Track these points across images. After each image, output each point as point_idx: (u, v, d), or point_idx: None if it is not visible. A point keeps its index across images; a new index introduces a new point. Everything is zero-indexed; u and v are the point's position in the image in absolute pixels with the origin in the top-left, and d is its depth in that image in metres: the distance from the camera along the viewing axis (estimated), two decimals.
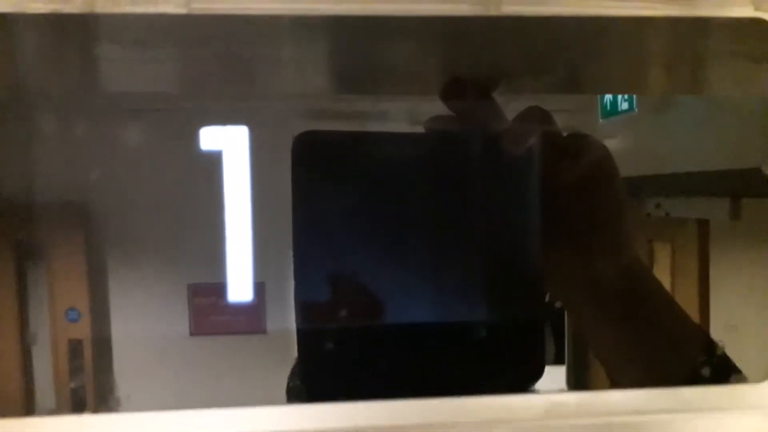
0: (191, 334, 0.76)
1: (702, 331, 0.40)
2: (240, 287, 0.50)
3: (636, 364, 0.38)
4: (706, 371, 0.35)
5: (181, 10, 0.22)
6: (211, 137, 0.34)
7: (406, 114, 0.40)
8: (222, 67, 0.32)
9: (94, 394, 0.50)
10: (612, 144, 0.39)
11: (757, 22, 0.25)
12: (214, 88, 0.38)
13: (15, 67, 0.30)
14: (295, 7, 0.23)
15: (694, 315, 0.60)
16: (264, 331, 0.66)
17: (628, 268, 0.38)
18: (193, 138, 0.39)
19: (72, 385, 0.51)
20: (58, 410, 0.44)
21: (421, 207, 0.38)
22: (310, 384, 0.37)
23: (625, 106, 0.75)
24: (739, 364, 0.35)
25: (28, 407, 0.47)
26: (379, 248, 0.37)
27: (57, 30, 0.24)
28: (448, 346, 0.37)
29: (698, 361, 0.36)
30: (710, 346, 0.37)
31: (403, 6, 0.25)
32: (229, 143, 0.34)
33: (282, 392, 0.42)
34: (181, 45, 0.27)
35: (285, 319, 0.38)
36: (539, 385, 0.37)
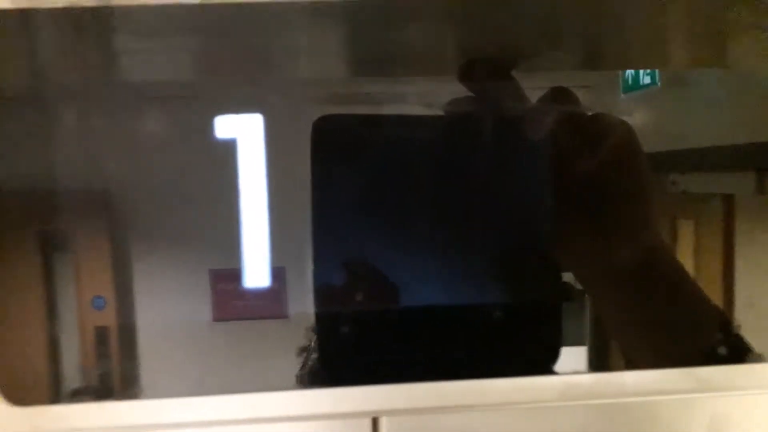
0: (214, 319, 0.77)
1: (719, 310, 0.39)
2: (260, 272, 0.50)
3: (653, 345, 0.38)
4: (722, 350, 0.35)
5: (195, 0, 0.22)
6: (230, 124, 0.34)
7: (424, 96, 0.40)
8: (238, 55, 0.32)
9: (119, 380, 0.51)
10: (633, 119, 0.39)
11: None
12: (230, 75, 0.38)
13: (35, 61, 0.30)
14: None
15: (718, 293, 0.59)
16: (286, 316, 0.66)
17: (649, 249, 0.37)
18: (213, 125, 0.39)
19: (98, 372, 0.52)
20: (84, 397, 0.45)
21: (441, 189, 0.37)
22: (329, 368, 0.37)
23: (647, 80, 0.74)
24: (757, 342, 0.35)
25: (54, 394, 0.48)
26: (399, 231, 0.37)
27: (74, 23, 0.24)
28: (467, 329, 0.37)
29: (715, 340, 0.35)
30: (727, 325, 0.37)
31: None
32: (246, 130, 0.34)
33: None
34: (197, 34, 0.27)
35: (306, 304, 0.38)
36: (560, 366, 0.37)
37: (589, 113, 0.37)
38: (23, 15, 0.22)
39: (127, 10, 0.22)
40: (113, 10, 0.22)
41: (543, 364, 0.37)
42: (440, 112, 0.38)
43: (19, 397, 0.27)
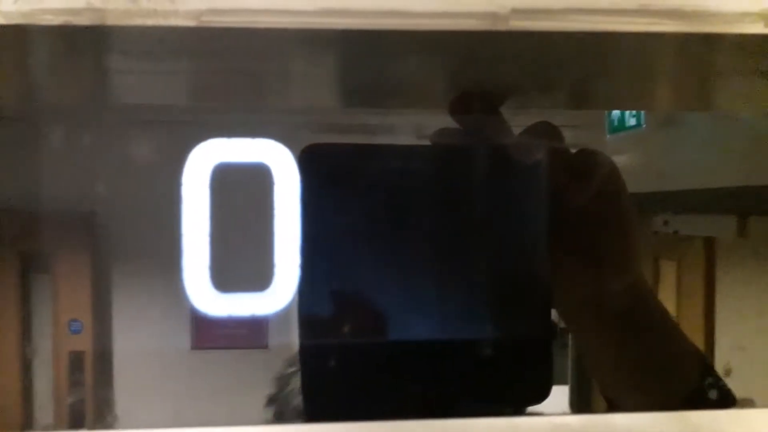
0: (192, 347, 0.76)
1: (701, 354, 0.39)
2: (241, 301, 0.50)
3: (635, 386, 0.37)
4: (712, 395, 0.35)
5: (191, 23, 0.22)
6: (217, 150, 0.34)
7: (412, 128, 0.40)
8: (231, 80, 0.32)
9: (93, 408, 0.50)
10: (619, 160, 0.39)
11: (767, 39, 0.25)
12: (222, 100, 0.38)
13: (25, 79, 0.30)
14: (304, 21, 0.23)
15: (700, 334, 0.59)
16: (265, 346, 0.65)
17: (632, 287, 0.37)
18: (199, 151, 0.39)
19: (71, 399, 0.50)
20: (55, 425, 0.44)
21: (428, 221, 0.37)
22: (312, 401, 0.36)
23: (632, 122, 0.75)
24: (747, 386, 0.35)
25: (26, 422, 0.47)
26: (385, 262, 0.37)
27: (67, 42, 0.24)
28: (453, 365, 0.37)
29: (704, 384, 0.35)
30: (709, 369, 0.37)
31: (411, 21, 0.25)
32: (233, 156, 0.34)
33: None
34: (191, 57, 0.27)
35: (286, 335, 0.37)
36: (543, 406, 0.37)
37: (574, 149, 0.38)
38: (15, 31, 0.22)
39: (122, 31, 0.22)
40: (107, 30, 0.22)
41: (532, 402, 0.37)
42: (428, 143, 0.38)
43: None
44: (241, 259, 0.35)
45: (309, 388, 0.36)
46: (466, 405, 0.34)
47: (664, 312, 0.39)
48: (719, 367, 0.42)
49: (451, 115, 0.36)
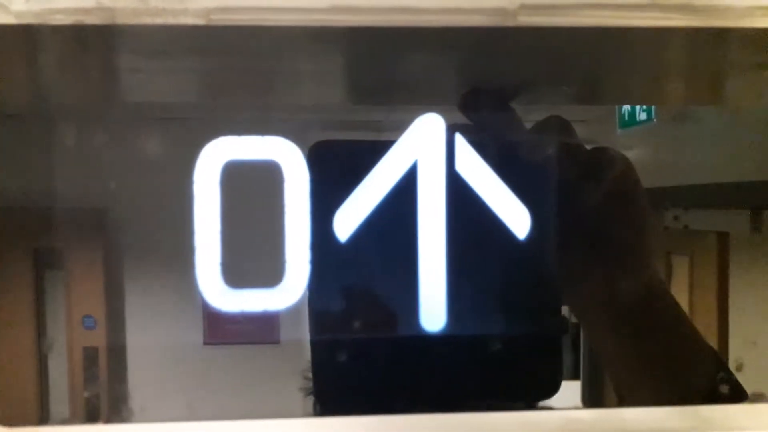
0: (205, 342, 0.76)
1: (713, 350, 0.39)
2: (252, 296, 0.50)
3: (647, 382, 0.37)
4: (724, 389, 0.35)
5: (200, 22, 0.22)
6: (228, 147, 0.34)
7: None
8: (241, 78, 0.32)
9: (108, 402, 0.50)
10: (630, 155, 0.39)
11: None
12: (232, 98, 0.38)
13: (36, 78, 0.30)
14: (313, 19, 0.23)
15: (712, 329, 0.59)
16: (277, 341, 0.65)
17: (646, 285, 0.37)
18: (210, 148, 0.39)
19: (86, 393, 0.51)
20: (71, 419, 0.44)
21: (438, 217, 0.37)
22: (323, 396, 0.36)
23: (643, 116, 0.74)
24: (758, 381, 0.35)
25: (42, 416, 0.47)
26: (395, 258, 0.37)
27: (78, 41, 0.24)
28: (465, 360, 0.37)
29: (716, 379, 0.35)
30: (721, 364, 0.37)
31: (419, 17, 0.25)
32: (243, 153, 0.34)
33: (293, 402, 0.42)
34: (201, 56, 0.27)
35: (298, 330, 0.37)
36: (554, 401, 0.37)
37: (590, 146, 0.37)
38: (27, 31, 0.22)
39: (132, 30, 0.23)
40: (118, 29, 0.22)
41: (542, 398, 0.37)
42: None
43: (8, 418, 0.27)
44: (252, 256, 0.35)
45: (320, 383, 0.36)
46: (475, 400, 0.34)
47: (678, 308, 0.39)
48: (731, 362, 0.42)
49: (461, 111, 0.36)
